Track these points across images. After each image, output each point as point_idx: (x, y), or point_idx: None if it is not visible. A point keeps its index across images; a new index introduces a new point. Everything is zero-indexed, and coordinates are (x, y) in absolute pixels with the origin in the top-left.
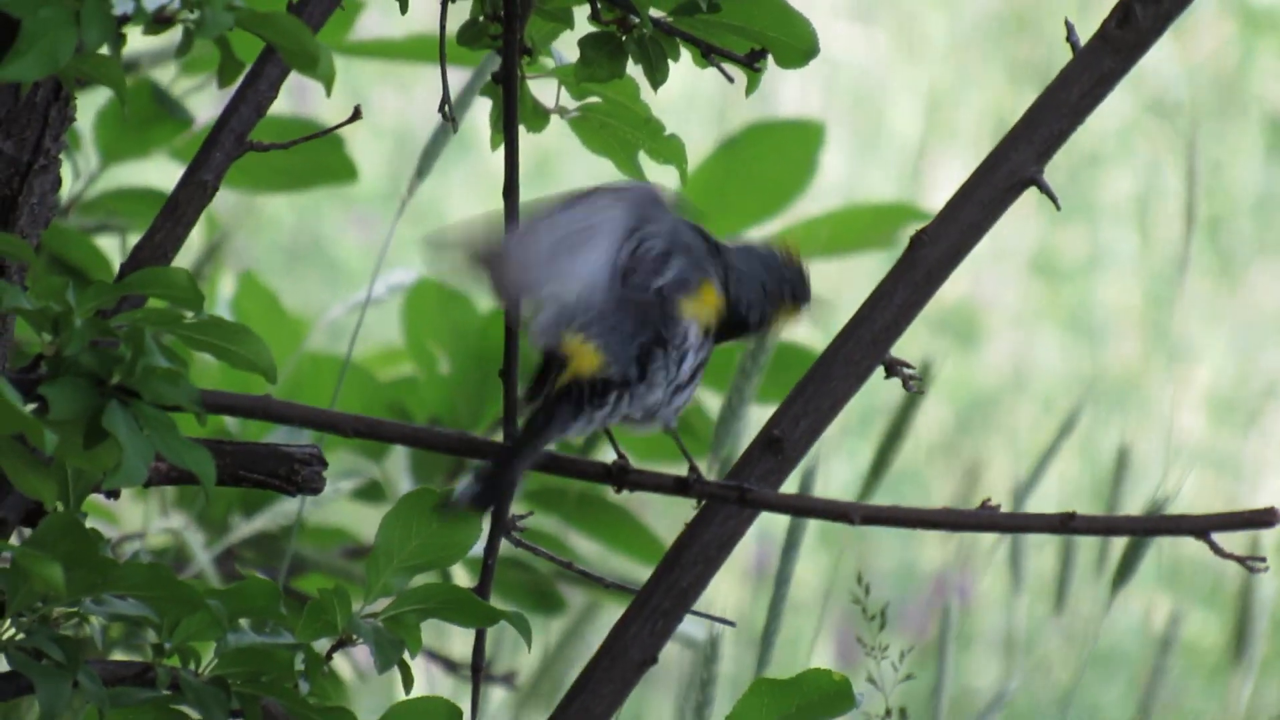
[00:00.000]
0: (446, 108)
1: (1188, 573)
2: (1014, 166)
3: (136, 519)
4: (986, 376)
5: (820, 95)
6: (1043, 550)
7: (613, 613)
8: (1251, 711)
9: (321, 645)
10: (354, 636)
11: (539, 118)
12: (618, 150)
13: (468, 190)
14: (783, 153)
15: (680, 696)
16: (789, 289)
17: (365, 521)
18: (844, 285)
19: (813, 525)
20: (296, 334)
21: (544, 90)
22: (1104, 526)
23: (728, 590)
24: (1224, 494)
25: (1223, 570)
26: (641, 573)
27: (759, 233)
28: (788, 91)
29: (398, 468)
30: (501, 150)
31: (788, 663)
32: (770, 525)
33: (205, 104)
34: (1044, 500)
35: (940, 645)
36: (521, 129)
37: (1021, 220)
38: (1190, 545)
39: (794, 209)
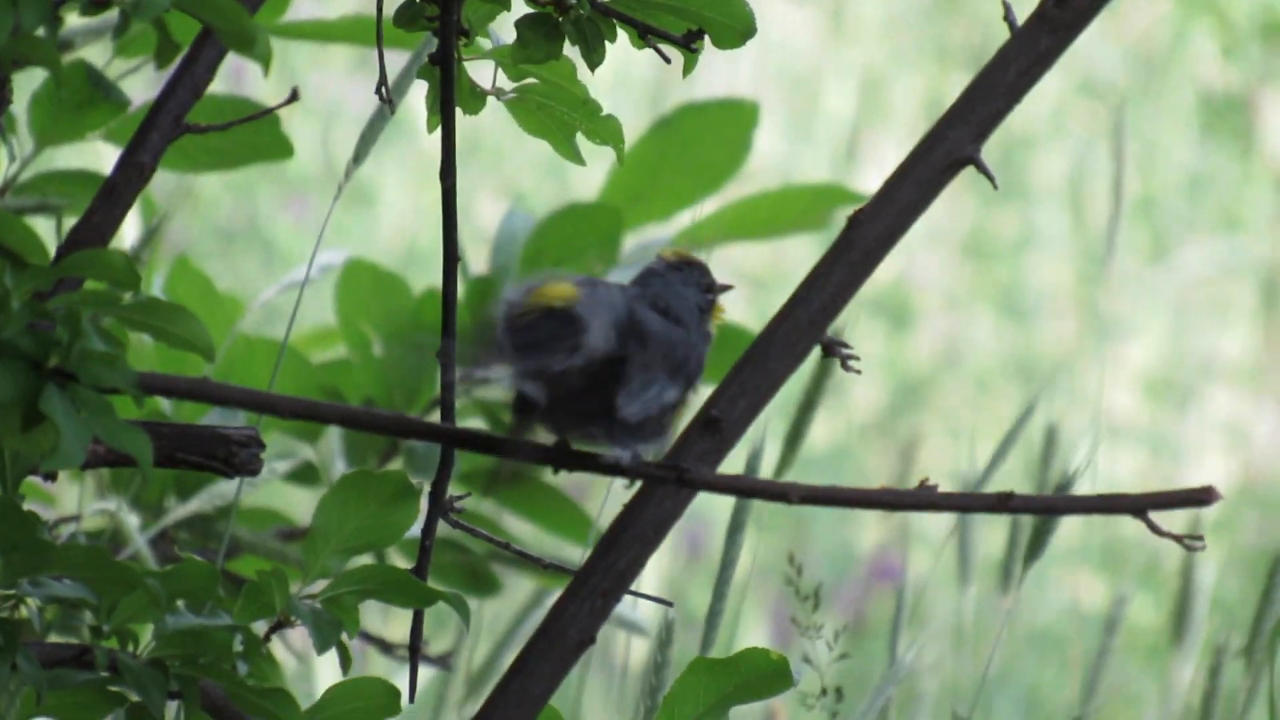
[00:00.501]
0: (384, 90)
1: (1124, 554)
2: (951, 146)
3: (72, 501)
4: (920, 357)
5: (754, 77)
6: (978, 530)
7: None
8: (1191, 693)
9: (259, 627)
10: (292, 618)
11: (476, 100)
12: (555, 131)
13: (403, 172)
14: (716, 133)
15: (614, 678)
16: (711, 293)
17: (299, 504)
18: (778, 267)
19: (751, 505)
20: (230, 316)
21: (481, 72)
22: (1041, 506)
23: (658, 570)
24: (1159, 474)
25: (1159, 551)
26: (576, 554)
27: (692, 215)
28: (721, 73)
29: (331, 450)
30: (438, 132)
31: (719, 643)
32: (701, 505)
33: (140, 86)
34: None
35: (893, 628)
36: (458, 111)
37: (954, 201)
38: (1128, 525)
39: (728, 190)
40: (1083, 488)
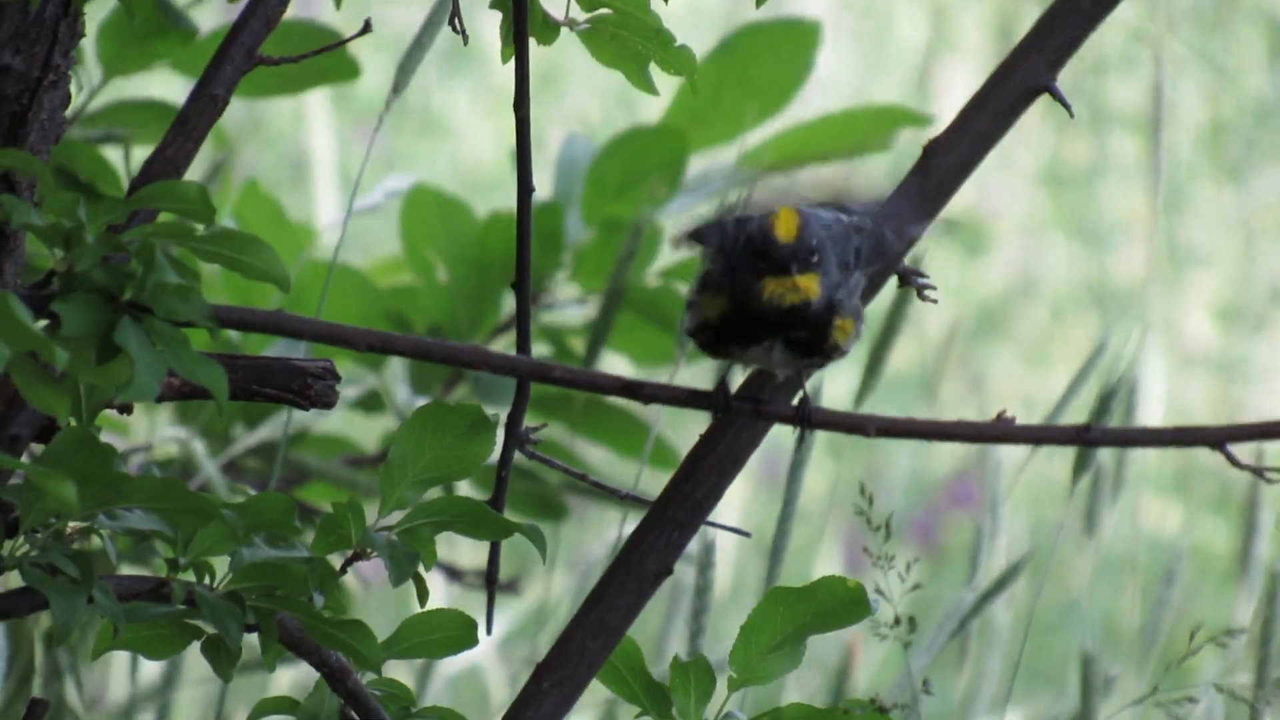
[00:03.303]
0: (456, 20)
1: (1196, 479)
2: (1026, 75)
3: (143, 431)
4: (994, 285)
5: (826, 5)
6: (1052, 461)
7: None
8: (1256, 619)
9: (334, 559)
10: (368, 550)
11: (549, 30)
12: (628, 62)
13: (474, 103)
14: (778, 53)
15: (670, 605)
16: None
17: (363, 431)
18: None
19: (820, 434)
20: (300, 243)
21: (553, 3)
22: (1119, 438)
23: (735, 499)
24: (1232, 400)
25: (1232, 477)
26: (652, 482)
27: (757, 136)
28: (792, 4)
29: (395, 377)
30: (502, 63)
31: (795, 573)
32: (777, 434)
33: (208, 15)
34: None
35: (973, 557)
36: (532, 41)
37: (1027, 129)
38: (1202, 452)
39: (795, 114)
40: (1158, 417)
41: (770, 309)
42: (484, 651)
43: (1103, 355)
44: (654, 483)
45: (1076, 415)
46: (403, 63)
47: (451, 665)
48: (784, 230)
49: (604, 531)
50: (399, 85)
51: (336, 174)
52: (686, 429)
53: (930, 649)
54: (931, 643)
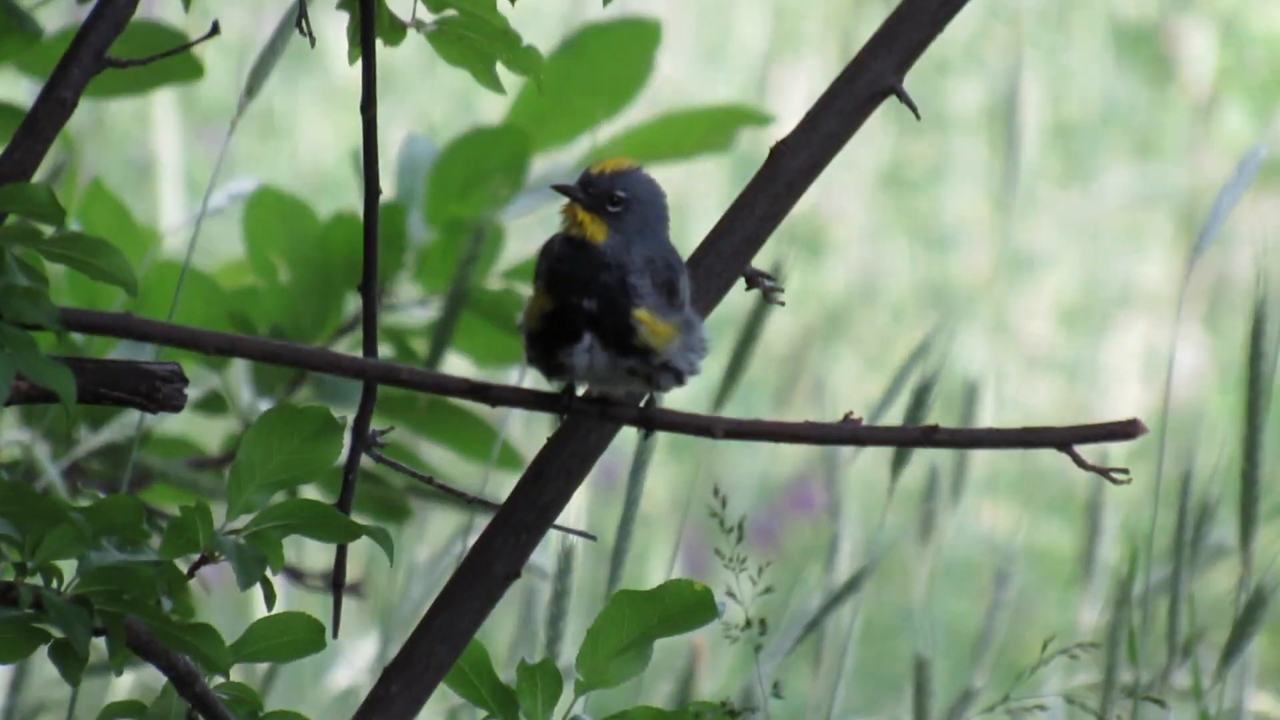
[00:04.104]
0: (304, 22)
1: (1039, 482)
2: (874, 76)
3: None
4: (835, 288)
5: (666, 6)
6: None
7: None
8: (1100, 622)
9: (181, 563)
10: (216, 553)
11: (396, 31)
12: (476, 62)
13: (317, 104)
14: (619, 53)
15: (525, 610)
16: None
17: (204, 432)
18: (689, 191)
19: (663, 437)
20: (145, 245)
21: (399, 4)
22: (967, 439)
23: (576, 504)
24: (1077, 403)
25: (1074, 481)
26: (497, 484)
27: (600, 136)
28: (633, 5)
29: (238, 378)
30: (347, 64)
31: (639, 578)
32: (619, 439)
33: (54, 16)
34: (896, 414)
35: (827, 558)
36: (378, 43)
37: (869, 130)
38: (1045, 454)
39: (635, 114)
40: (1002, 420)
41: (554, 242)
42: (365, 669)
43: (928, 354)
44: (499, 485)
45: (900, 415)
46: (256, 66)
47: (337, 682)
48: (600, 166)
49: (447, 535)
50: (252, 89)
51: (179, 176)
52: (532, 431)
53: (777, 653)
54: (778, 647)
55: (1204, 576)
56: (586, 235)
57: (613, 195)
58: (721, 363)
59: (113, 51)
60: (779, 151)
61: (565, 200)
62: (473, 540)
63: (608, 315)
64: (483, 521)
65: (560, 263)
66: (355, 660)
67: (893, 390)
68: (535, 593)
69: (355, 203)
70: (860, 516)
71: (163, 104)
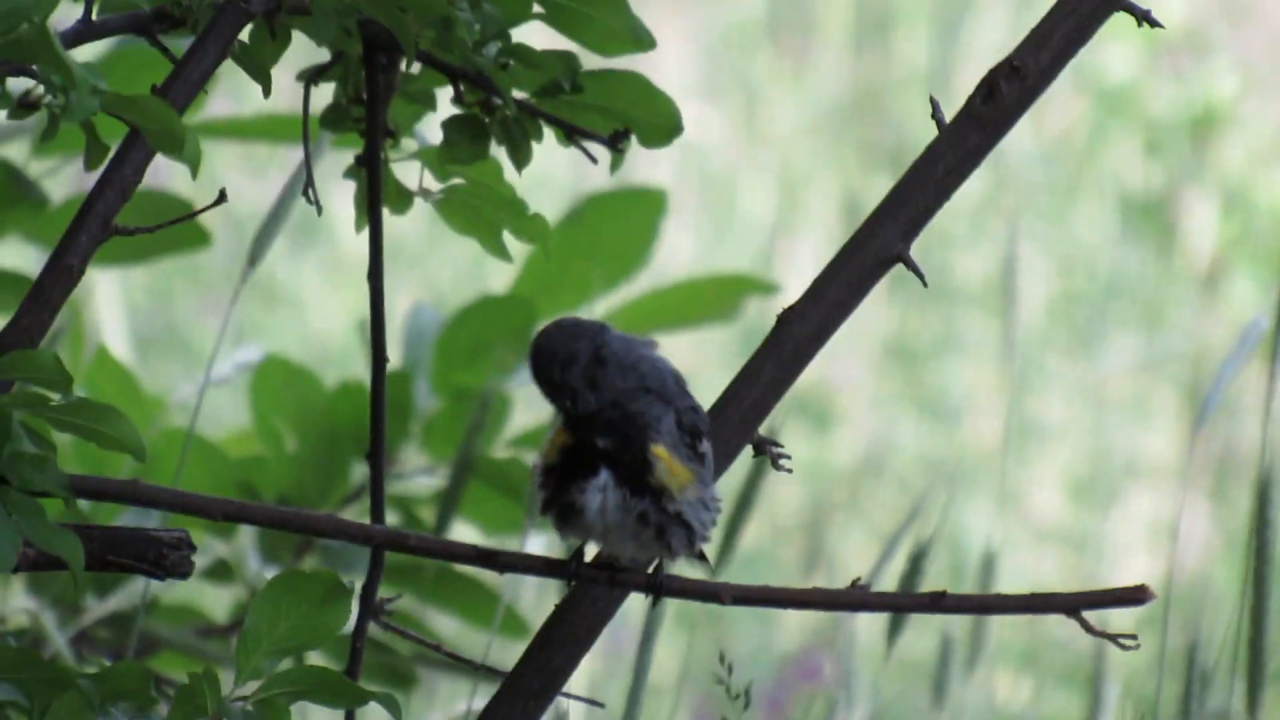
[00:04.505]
0: (310, 191)
1: (1047, 652)
2: (881, 244)
3: None
4: (842, 458)
5: (671, 177)
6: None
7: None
8: None
9: None
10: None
11: (403, 199)
12: (482, 229)
13: (323, 274)
14: (624, 221)
15: None
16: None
17: (212, 600)
18: (697, 360)
19: (671, 606)
20: (150, 413)
21: (407, 172)
22: (975, 605)
23: (583, 672)
24: (1084, 574)
25: (1083, 649)
26: (499, 652)
27: (605, 304)
28: (637, 174)
29: (244, 546)
30: (354, 234)
31: None
32: (626, 607)
33: (60, 183)
34: (892, 580)
35: None
36: (384, 211)
37: (875, 301)
38: (1052, 623)
39: (641, 283)
40: (1009, 588)
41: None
42: None
43: (923, 518)
44: (506, 653)
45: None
46: (259, 234)
47: None
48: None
49: (452, 704)
50: (255, 257)
51: (182, 344)
52: (539, 600)
53: None
54: None
55: None
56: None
57: (570, 386)
58: (721, 530)
59: (120, 219)
60: (785, 319)
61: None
62: (478, 708)
63: (625, 448)
64: (489, 689)
65: (574, 422)
66: None
67: (887, 553)
68: None
69: (361, 372)
70: (869, 687)
71: (169, 275)
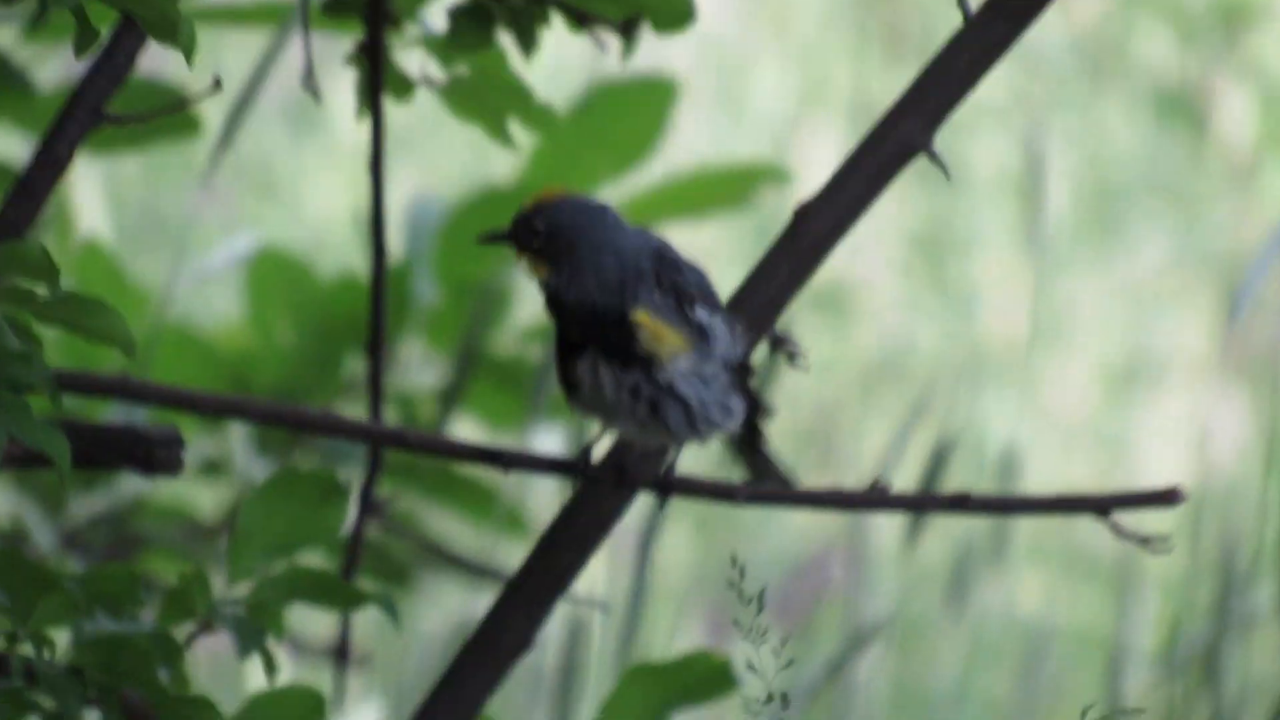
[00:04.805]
0: (310, 79)
1: (1080, 556)
2: (902, 136)
3: None
4: (860, 356)
5: (687, 67)
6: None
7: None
8: (1138, 699)
9: (179, 632)
10: (214, 623)
11: (405, 87)
12: (487, 117)
13: (320, 163)
14: (635, 112)
15: (531, 685)
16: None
17: (198, 498)
18: (711, 256)
19: (686, 510)
20: (139, 306)
21: (409, 61)
22: (1000, 506)
23: (597, 575)
24: (1114, 474)
25: (1109, 553)
26: (508, 553)
27: (614, 194)
28: (652, 62)
29: (235, 442)
30: (356, 121)
31: (658, 652)
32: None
33: (50, 70)
34: (906, 475)
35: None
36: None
37: (897, 192)
38: (1079, 526)
39: (652, 174)
40: (1035, 490)
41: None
42: None
43: (929, 411)
44: (509, 556)
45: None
46: (231, 115)
47: None
48: (524, 203)
49: (447, 605)
50: (227, 137)
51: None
52: (542, 498)
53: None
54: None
55: (1243, 648)
56: (536, 276)
57: (534, 230)
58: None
59: (111, 107)
60: (803, 213)
61: None
62: (479, 610)
63: (605, 329)
64: (491, 593)
65: (548, 304)
66: None
67: (897, 446)
68: (540, 667)
69: (359, 263)
70: (886, 592)
71: (159, 162)
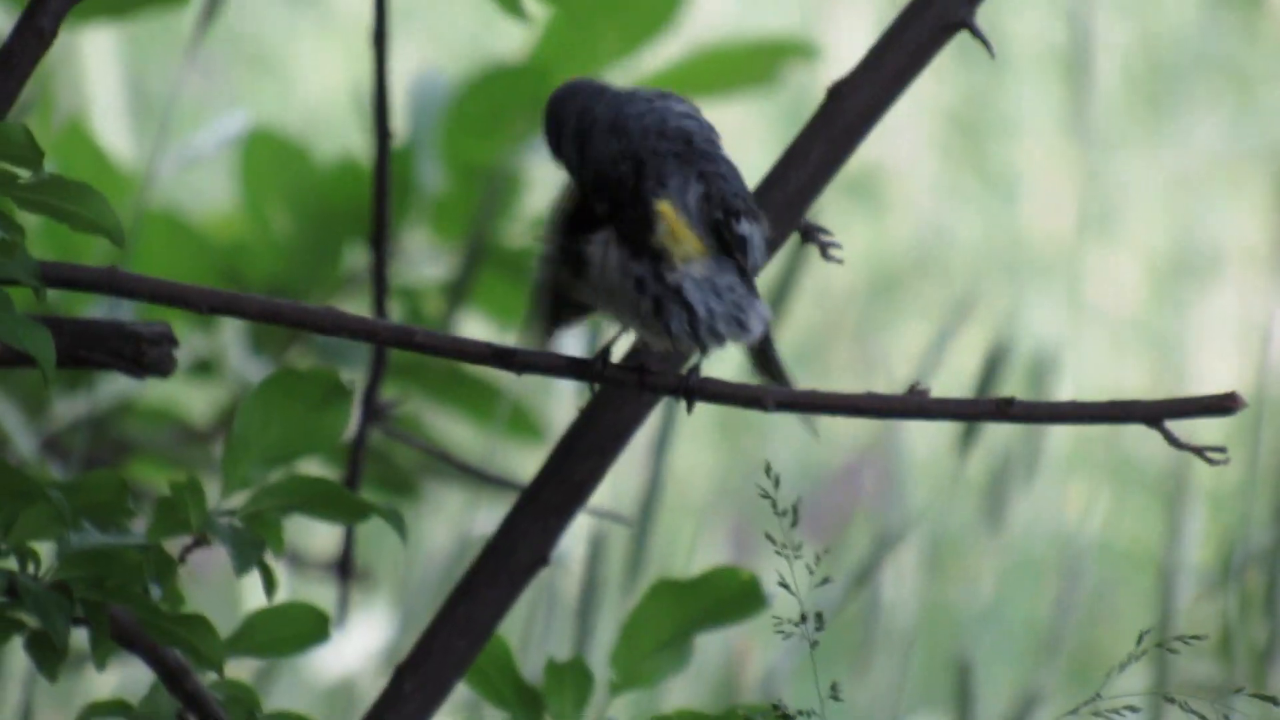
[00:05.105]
0: None
1: (1123, 469)
2: (942, 8)
3: None
4: (896, 247)
5: None
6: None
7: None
8: (1187, 619)
9: (171, 546)
10: (209, 536)
11: None
12: None
13: (317, 36)
14: None
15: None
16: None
17: (189, 399)
18: (738, 139)
19: (703, 414)
20: (125, 191)
21: None
22: (1047, 413)
23: (617, 483)
24: (1165, 377)
25: (1151, 463)
26: (522, 462)
27: (629, 72)
28: None
29: (229, 340)
30: None
31: (679, 566)
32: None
33: None
34: (950, 381)
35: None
36: None
37: (933, 71)
38: (1133, 438)
39: (671, 49)
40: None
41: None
42: (360, 659)
43: (965, 312)
44: (522, 464)
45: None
46: None
47: (326, 677)
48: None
49: (449, 515)
50: (210, 10)
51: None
52: (559, 401)
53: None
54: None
55: None
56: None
57: (549, 132)
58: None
59: None
60: (837, 92)
61: None
62: (484, 522)
63: (628, 204)
64: (496, 502)
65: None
66: (345, 650)
67: (935, 350)
68: (554, 583)
69: (359, 146)
70: (922, 505)
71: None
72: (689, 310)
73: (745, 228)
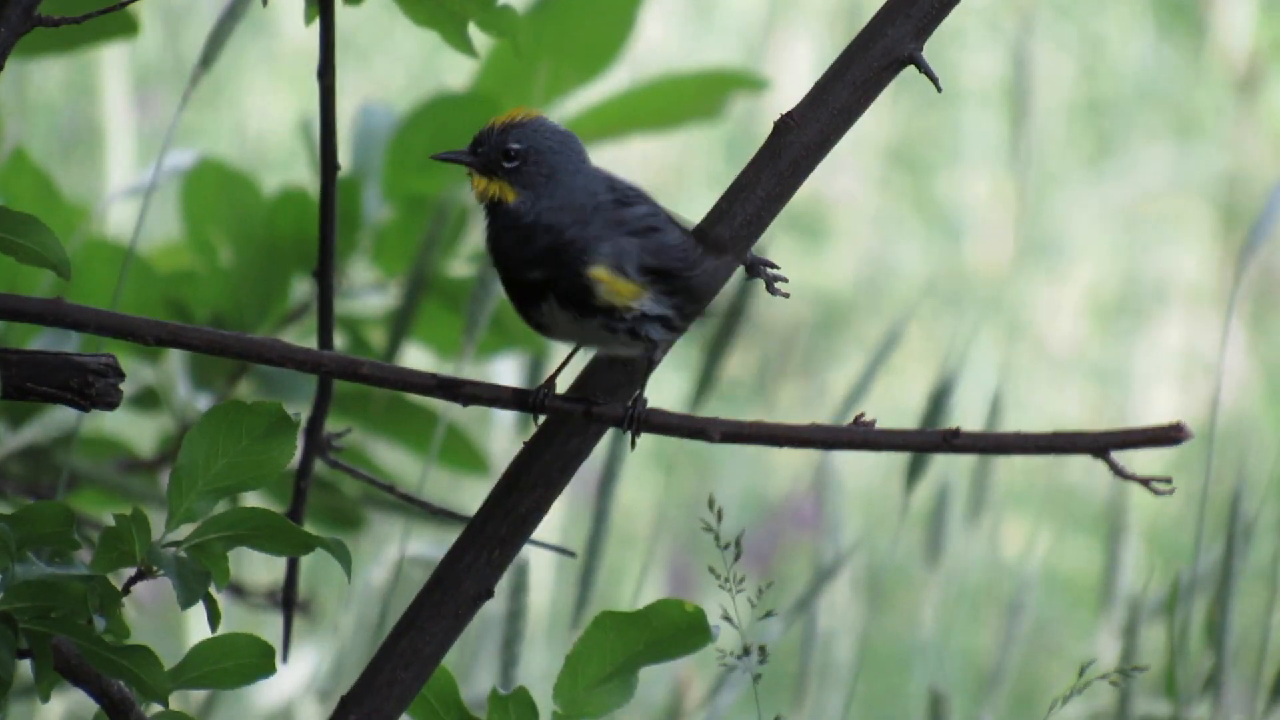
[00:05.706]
0: None
1: (1062, 502)
2: (890, 43)
3: None
4: (838, 280)
5: None
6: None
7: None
8: (1127, 649)
9: (116, 578)
10: (154, 568)
11: None
12: (445, 23)
13: (264, 72)
14: (598, 13)
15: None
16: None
17: (135, 430)
18: (682, 171)
19: (643, 448)
20: (71, 223)
21: None
22: (992, 444)
23: (556, 518)
24: (1108, 409)
25: (1098, 494)
26: (465, 493)
27: (576, 104)
28: None
29: (173, 371)
30: (305, 25)
31: (617, 600)
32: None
33: None
34: (906, 419)
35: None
36: (338, 3)
37: (877, 106)
38: (1074, 470)
39: (617, 81)
40: (1025, 427)
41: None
42: (297, 687)
43: (897, 340)
44: (468, 496)
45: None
46: (213, 33)
47: (265, 705)
48: (491, 122)
49: (404, 551)
50: (208, 58)
51: (113, 146)
52: (503, 433)
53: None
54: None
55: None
56: (494, 198)
57: (506, 151)
58: (703, 358)
59: (43, 9)
60: (784, 126)
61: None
62: (420, 552)
63: (561, 279)
64: (449, 535)
65: (498, 236)
66: (285, 678)
67: (868, 376)
68: (489, 614)
69: (304, 177)
70: (864, 537)
71: (93, 70)
72: (661, 320)
73: (659, 237)
